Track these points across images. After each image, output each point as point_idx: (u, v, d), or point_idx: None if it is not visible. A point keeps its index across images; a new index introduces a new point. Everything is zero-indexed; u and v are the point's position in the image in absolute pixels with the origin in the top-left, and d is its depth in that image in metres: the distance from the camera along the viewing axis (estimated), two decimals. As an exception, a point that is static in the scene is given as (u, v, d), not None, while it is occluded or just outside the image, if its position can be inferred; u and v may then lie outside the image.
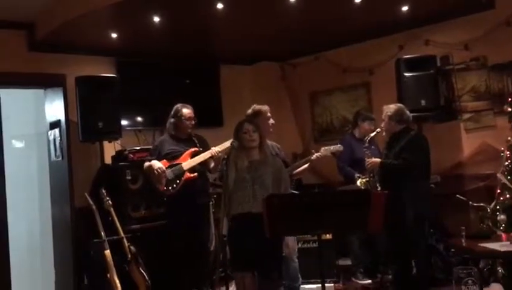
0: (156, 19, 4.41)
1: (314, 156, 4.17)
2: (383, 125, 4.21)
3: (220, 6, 4.17)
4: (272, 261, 3.28)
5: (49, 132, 5.40)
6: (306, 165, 4.27)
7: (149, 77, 5.55)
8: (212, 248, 4.72)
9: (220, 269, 4.60)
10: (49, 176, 5.38)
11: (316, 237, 4.13)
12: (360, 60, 5.68)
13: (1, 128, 5.02)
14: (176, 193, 4.20)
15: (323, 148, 4.21)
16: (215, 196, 4.72)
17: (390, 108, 4.16)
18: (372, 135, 4.41)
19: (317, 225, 2.75)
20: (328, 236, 4.55)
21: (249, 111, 4.16)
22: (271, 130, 4.19)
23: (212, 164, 4.23)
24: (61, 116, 5.15)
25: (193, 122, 4.39)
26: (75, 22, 4.33)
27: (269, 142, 4.30)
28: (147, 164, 4.29)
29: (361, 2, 4.33)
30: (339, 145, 4.33)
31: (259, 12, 4.55)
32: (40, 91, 5.49)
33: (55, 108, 5.26)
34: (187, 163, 4.23)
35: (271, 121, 4.16)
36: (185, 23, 4.67)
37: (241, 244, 3.29)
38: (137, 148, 4.99)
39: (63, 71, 5.09)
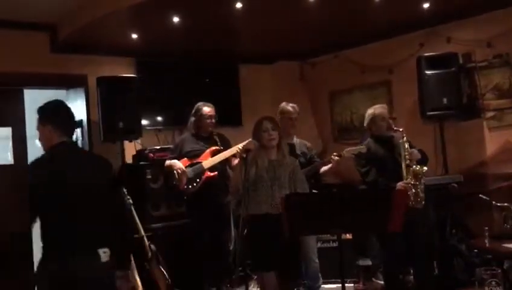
0: (176, 19, 4.43)
1: (333, 159, 4.03)
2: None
3: (239, 5, 4.18)
4: (291, 262, 3.26)
5: (71, 132, 5.48)
6: (326, 168, 4.16)
7: (169, 76, 5.60)
8: (231, 247, 4.73)
9: (240, 269, 4.61)
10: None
11: (335, 237, 4.09)
12: (380, 58, 5.62)
13: (25, 128, 5.12)
14: (196, 192, 4.22)
15: (345, 150, 4.07)
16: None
17: None
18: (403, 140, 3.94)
19: (336, 225, 2.73)
20: (348, 236, 4.53)
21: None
22: (291, 130, 4.19)
23: (236, 161, 4.24)
24: (83, 116, 5.22)
25: (214, 120, 4.41)
26: (96, 23, 4.39)
27: (298, 139, 4.29)
28: (167, 162, 4.32)
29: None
30: (362, 146, 4.11)
31: (278, 11, 4.54)
32: (63, 92, 5.57)
33: (77, 108, 5.33)
34: (207, 162, 4.24)
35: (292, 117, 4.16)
36: (204, 22, 4.69)
37: (259, 246, 3.25)
38: (157, 147, 5.03)
39: (84, 72, 5.17)
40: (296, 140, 4.28)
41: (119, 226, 2.76)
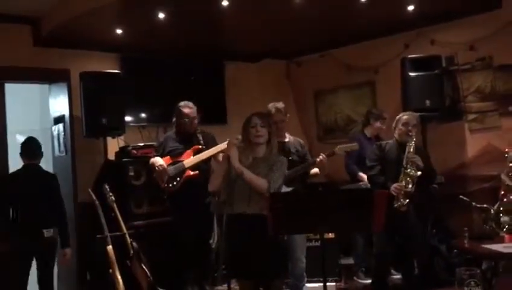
0: (161, 16, 4.40)
1: (318, 158, 3.98)
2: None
3: (225, 3, 4.16)
4: (272, 264, 3.13)
5: (53, 127, 5.41)
6: (317, 171, 4.11)
7: (153, 73, 5.56)
8: (214, 245, 4.72)
9: (222, 267, 4.60)
10: (53, 171, 5.39)
11: (318, 236, 4.11)
12: (366, 58, 5.66)
13: (5, 122, 5.04)
14: (177, 190, 4.20)
15: (338, 147, 4.06)
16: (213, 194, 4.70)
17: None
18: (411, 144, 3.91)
19: (320, 224, 2.75)
20: (331, 235, 4.55)
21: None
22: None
23: (221, 158, 4.22)
24: (65, 111, 5.16)
25: (195, 121, 4.37)
26: (80, 17, 4.33)
27: (292, 137, 4.26)
28: (151, 160, 4.30)
29: (367, 0, 4.31)
30: (354, 143, 4.18)
31: (264, 10, 4.54)
32: (45, 86, 5.50)
33: (59, 103, 5.27)
34: (189, 161, 4.22)
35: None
36: (190, 19, 4.67)
37: (235, 247, 3.15)
38: (141, 144, 4.99)
39: (67, 66, 5.11)
40: (290, 138, 4.23)
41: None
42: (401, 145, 3.97)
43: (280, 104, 4.14)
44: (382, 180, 3.92)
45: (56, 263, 4.81)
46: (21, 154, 4.24)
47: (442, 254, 4.52)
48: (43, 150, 4.38)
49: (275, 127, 3.99)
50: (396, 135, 4.05)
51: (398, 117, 4.09)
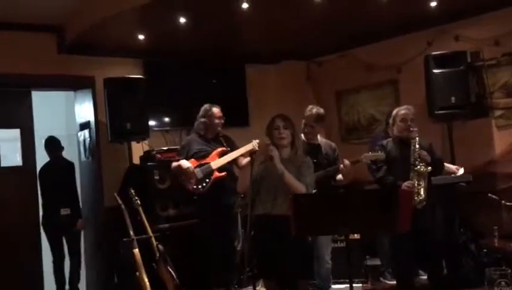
0: (182, 20, 4.44)
1: (341, 165, 3.95)
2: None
3: (245, 6, 4.17)
4: (300, 263, 3.16)
5: (79, 133, 5.51)
6: (343, 177, 4.08)
7: (175, 77, 5.61)
8: (239, 248, 4.73)
9: (248, 269, 4.60)
10: (79, 176, 5.49)
11: (343, 237, 4.08)
12: (387, 57, 5.60)
13: (33, 129, 5.16)
14: (205, 192, 4.23)
15: (363, 156, 3.96)
16: (241, 195, 4.73)
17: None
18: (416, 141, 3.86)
19: (344, 225, 2.72)
20: (356, 236, 4.51)
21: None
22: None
23: (244, 161, 4.25)
24: (90, 117, 5.25)
25: (222, 121, 4.43)
26: (103, 24, 4.41)
27: (323, 140, 4.26)
28: (175, 163, 4.33)
29: (388, -2, 4.28)
30: (381, 153, 3.97)
31: (284, 11, 4.54)
32: (70, 93, 5.61)
33: (84, 109, 5.36)
34: (216, 162, 4.25)
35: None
36: (211, 23, 4.69)
37: (262, 248, 3.18)
38: (165, 148, 5.04)
39: (92, 73, 5.19)
40: (321, 140, 4.22)
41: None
42: (402, 142, 3.89)
43: (320, 110, 4.17)
44: (391, 180, 3.85)
45: (83, 267, 5.11)
46: (46, 148, 5.27)
47: (471, 253, 4.44)
48: (69, 156, 5.00)
49: (309, 129, 4.00)
50: (395, 132, 3.97)
51: (394, 113, 3.99)
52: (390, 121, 4.04)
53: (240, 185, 3.42)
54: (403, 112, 3.93)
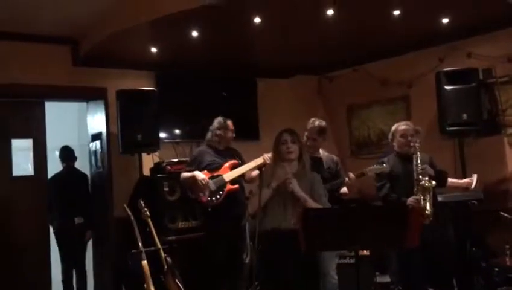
0: (195, 34, 4.48)
1: (347, 178, 3.99)
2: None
3: (257, 20, 4.21)
4: (307, 280, 3.14)
5: (91, 144, 5.55)
6: (347, 190, 4.10)
7: (187, 90, 5.64)
8: (247, 261, 4.71)
9: (256, 282, 4.58)
10: (90, 187, 5.52)
11: (353, 253, 4.04)
12: (399, 72, 5.59)
13: (45, 139, 5.20)
14: (218, 204, 4.23)
15: (368, 169, 3.97)
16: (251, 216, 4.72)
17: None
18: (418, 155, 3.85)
19: (354, 241, 2.70)
20: (366, 252, 4.46)
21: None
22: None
23: (252, 174, 4.26)
24: (102, 128, 5.29)
25: (234, 134, 4.45)
26: (117, 37, 4.46)
27: (326, 153, 4.26)
28: (187, 174, 4.31)
29: (400, 14, 4.28)
30: (385, 166, 3.97)
31: (296, 26, 4.56)
32: (83, 104, 5.66)
33: (96, 120, 5.41)
34: (228, 175, 4.26)
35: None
36: (223, 37, 4.73)
37: (267, 262, 3.16)
38: (175, 160, 5.05)
39: (104, 85, 5.25)
40: (323, 153, 4.22)
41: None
42: (403, 157, 3.89)
43: (322, 123, 4.19)
44: (395, 197, 3.83)
45: (91, 278, 5.13)
46: (60, 157, 5.44)
47: (483, 272, 4.37)
48: (80, 166, 5.09)
49: (311, 142, 4.01)
50: (396, 147, 3.99)
51: (393, 129, 4.01)
52: (390, 136, 4.05)
53: (251, 207, 3.37)
54: (402, 127, 3.95)
